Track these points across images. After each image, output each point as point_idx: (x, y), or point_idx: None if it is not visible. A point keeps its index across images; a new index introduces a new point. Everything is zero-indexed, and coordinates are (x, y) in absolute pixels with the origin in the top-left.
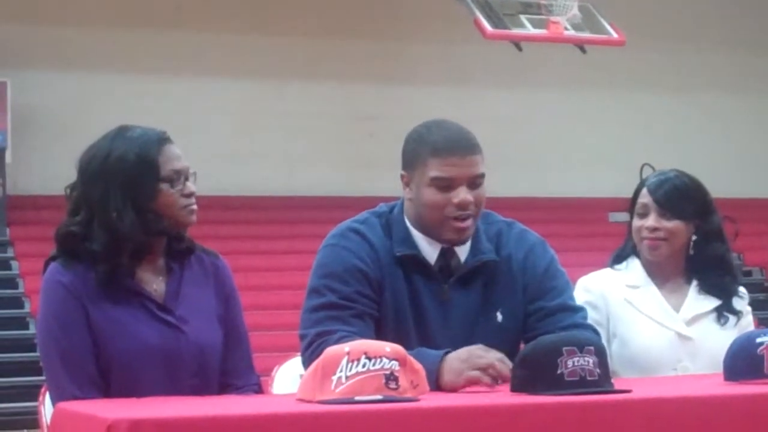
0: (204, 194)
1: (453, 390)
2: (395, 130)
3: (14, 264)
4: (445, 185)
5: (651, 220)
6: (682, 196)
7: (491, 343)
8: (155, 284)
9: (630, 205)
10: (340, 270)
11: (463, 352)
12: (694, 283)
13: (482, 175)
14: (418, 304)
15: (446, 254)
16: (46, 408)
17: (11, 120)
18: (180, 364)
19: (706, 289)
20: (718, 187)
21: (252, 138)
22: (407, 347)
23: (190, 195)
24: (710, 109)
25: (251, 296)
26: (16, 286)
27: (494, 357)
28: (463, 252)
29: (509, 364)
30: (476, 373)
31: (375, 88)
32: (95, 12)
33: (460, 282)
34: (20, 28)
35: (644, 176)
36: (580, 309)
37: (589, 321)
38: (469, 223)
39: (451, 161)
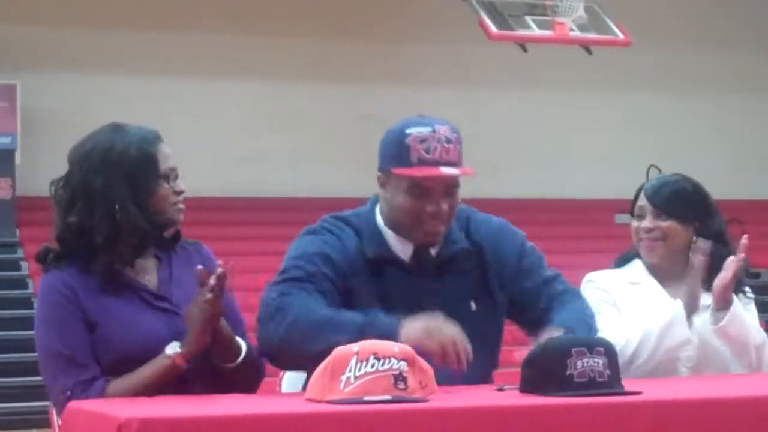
0: (211, 195)
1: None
2: None
3: (24, 265)
4: (421, 193)
5: (646, 221)
6: (677, 198)
7: (465, 331)
8: (148, 275)
9: (630, 208)
10: (310, 252)
11: (416, 322)
12: None
13: (458, 184)
14: (389, 303)
15: (419, 251)
16: None
17: (21, 122)
18: None
19: (708, 288)
20: (724, 189)
21: (257, 139)
22: None
23: (180, 193)
24: (718, 109)
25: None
26: (25, 287)
27: (450, 333)
28: (435, 246)
29: (463, 343)
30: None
31: (380, 89)
32: (104, 14)
33: (433, 275)
34: (30, 31)
35: (650, 178)
36: (557, 275)
37: (603, 301)
38: (441, 228)
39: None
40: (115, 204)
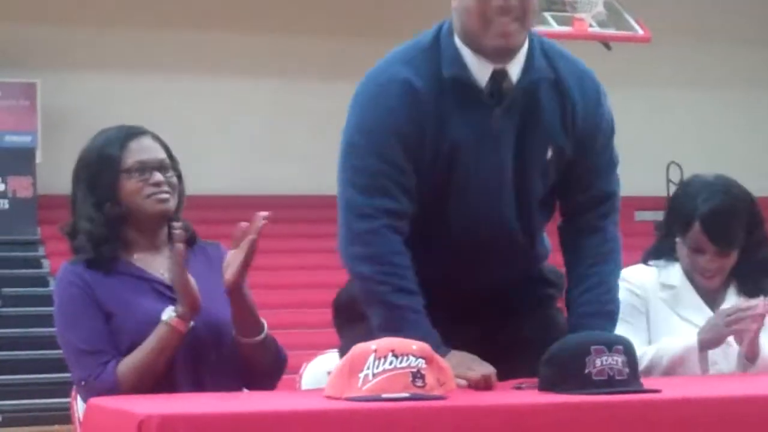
0: (229, 194)
1: None
2: None
3: (45, 262)
4: None
5: (709, 260)
6: (739, 230)
7: (534, 181)
8: (163, 270)
9: (676, 222)
10: (381, 138)
11: (453, 357)
12: (733, 285)
13: None
14: (462, 133)
15: (497, 76)
16: (78, 403)
17: (41, 120)
18: (197, 340)
19: (745, 291)
20: (745, 185)
21: (276, 137)
22: (445, 187)
23: (157, 184)
24: (737, 105)
25: (280, 295)
26: (46, 284)
27: (485, 371)
28: (515, 73)
29: (495, 380)
30: (463, 382)
31: None
32: (124, 13)
33: (511, 107)
34: (50, 30)
35: (670, 176)
36: (615, 199)
37: (633, 307)
38: (513, 27)
39: None
40: (88, 209)
